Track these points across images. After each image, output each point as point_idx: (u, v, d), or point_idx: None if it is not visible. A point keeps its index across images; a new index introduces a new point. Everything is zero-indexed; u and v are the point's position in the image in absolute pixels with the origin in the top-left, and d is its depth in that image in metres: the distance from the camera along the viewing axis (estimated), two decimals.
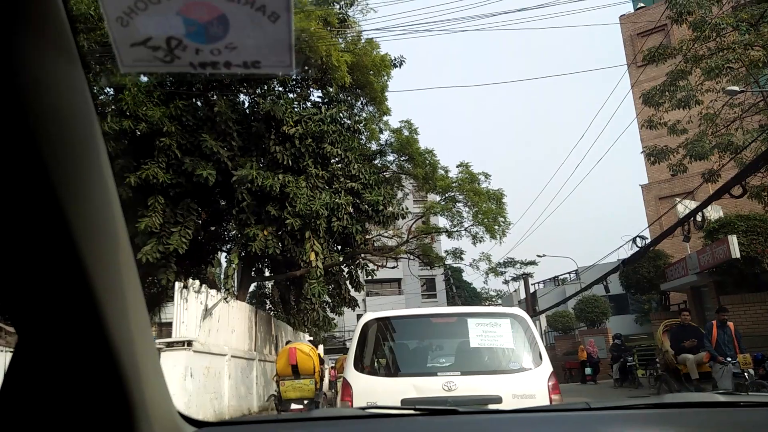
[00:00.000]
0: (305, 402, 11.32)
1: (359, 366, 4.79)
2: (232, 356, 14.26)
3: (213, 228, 18.04)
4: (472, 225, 18.29)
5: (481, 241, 18.34)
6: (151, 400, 0.96)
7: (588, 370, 21.72)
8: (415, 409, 1.73)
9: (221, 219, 17.02)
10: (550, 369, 4.64)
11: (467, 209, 18.26)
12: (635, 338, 25.60)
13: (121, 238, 0.87)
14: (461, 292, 52.71)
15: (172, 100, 14.66)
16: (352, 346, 4.96)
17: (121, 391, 0.88)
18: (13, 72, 0.63)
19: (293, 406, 11.22)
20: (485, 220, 17.43)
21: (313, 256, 15.71)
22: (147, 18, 0.66)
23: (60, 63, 0.69)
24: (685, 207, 16.10)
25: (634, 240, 17.82)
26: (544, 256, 32.49)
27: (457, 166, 18.25)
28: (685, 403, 1.64)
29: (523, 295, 39.09)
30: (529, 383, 4.51)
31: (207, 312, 12.93)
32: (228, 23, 0.67)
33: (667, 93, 15.95)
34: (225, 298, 14.43)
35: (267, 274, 19.79)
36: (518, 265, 50.33)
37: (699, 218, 12.88)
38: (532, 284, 32.96)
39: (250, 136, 16.16)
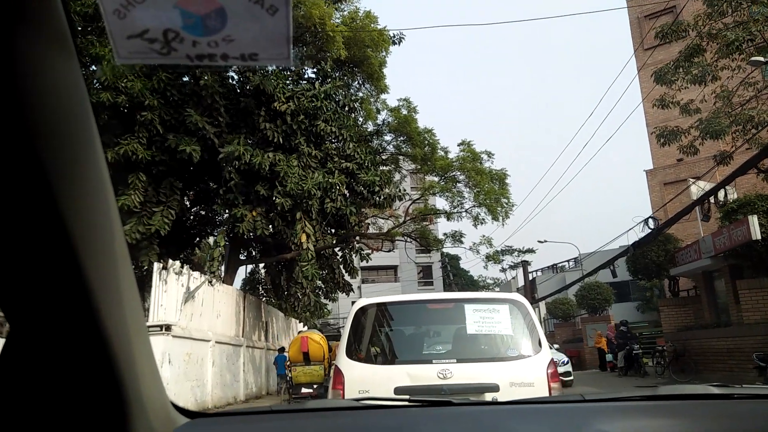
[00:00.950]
0: (314, 386, 12.42)
1: (352, 353, 4.62)
2: (216, 342, 13.51)
3: (199, 208, 17.23)
4: (474, 206, 17.44)
5: (482, 223, 17.52)
6: (144, 391, 0.96)
7: (609, 357, 20.76)
8: (409, 401, 1.76)
9: (208, 199, 16.16)
10: (550, 356, 4.52)
11: (468, 189, 17.37)
12: (636, 326, 24.91)
13: (116, 231, 0.87)
14: (458, 280, 52.12)
15: (155, 73, 13.76)
16: (345, 333, 4.80)
17: (114, 382, 0.89)
18: (13, 70, 0.64)
19: (303, 389, 12.40)
20: (487, 201, 16.54)
21: (304, 238, 14.91)
22: (144, 10, 0.66)
23: (58, 61, 0.70)
24: (699, 188, 15.26)
25: (646, 221, 16.94)
26: (546, 241, 31.72)
27: (458, 145, 17.35)
28: (680, 395, 1.64)
29: (521, 283, 38.44)
30: (527, 371, 4.36)
31: (189, 295, 12.14)
32: (226, 15, 0.66)
33: (681, 69, 15.05)
34: (210, 281, 13.64)
35: (256, 257, 19.03)
36: (516, 253, 49.74)
37: (718, 197, 12.02)
38: (530, 272, 32.17)
39: (238, 113, 15.29)
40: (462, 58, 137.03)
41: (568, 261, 42.15)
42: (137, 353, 0.94)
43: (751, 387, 1.84)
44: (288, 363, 13.47)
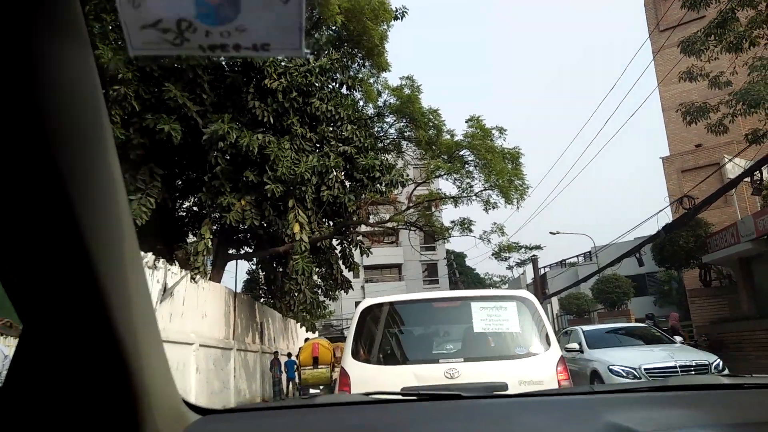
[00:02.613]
0: (321, 387, 13.49)
1: (357, 354, 4.64)
2: (201, 345, 12.04)
3: (185, 198, 15.78)
4: (485, 188, 15.87)
5: (494, 208, 15.97)
6: (155, 387, 0.96)
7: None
8: (417, 395, 1.76)
9: (194, 188, 14.69)
10: (559, 353, 4.50)
11: (478, 170, 15.78)
12: (659, 321, 23.37)
13: (126, 226, 0.86)
14: (464, 278, 50.65)
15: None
16: (350, 334, 4.82)
17: (125, 379, 0.88)
18: (29, 61, 0.64)
19: (311, 390, 13.47)
20: (500, 182, 14.97)
21: (297, 228, 13.47)
22: None
23: (72, 50, 0.69)
24: (734, 165, 13.74)
25: (680, 201, 15.32)
26: (558, 233, 30.10)
27: (466, 121, 15.74)
28: (690, 385, 1.64)
29: (530, 279, 36.94)
30: (536, 369, 4.34)
31: (166, 292, 10.68)
32: (239, 4, 0.65)
33: (712, 37, 13.57)
34: (192, 277, 12.18)
35: (247, 251, 17.56)
36: (523, 249, 48.20)
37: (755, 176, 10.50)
38: (539, 268, 30.66)
39: (224, 90, 13.86)
40: (470, 36, 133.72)
41: (577, 256, 40.64)
42: (148, 350, 0.93)
43: (760, 377, 1.87)
44: (297, 366, 14.63)
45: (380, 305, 4.93)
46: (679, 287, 28.10)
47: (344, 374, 4.48)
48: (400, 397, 1.81)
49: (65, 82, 0.68)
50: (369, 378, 4.30)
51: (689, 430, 1.19)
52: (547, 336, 4.52)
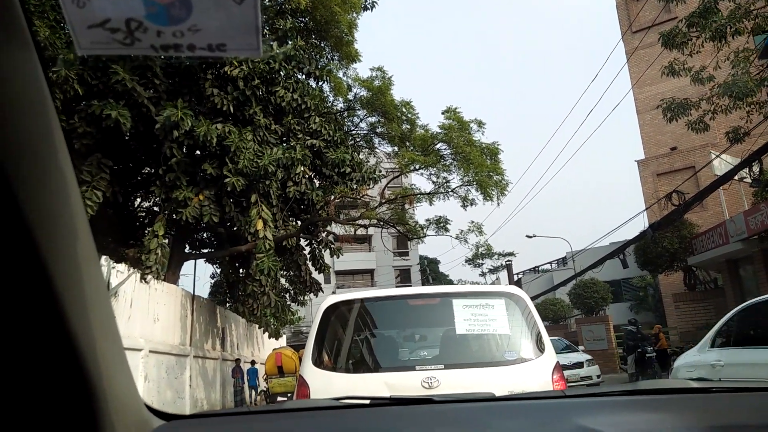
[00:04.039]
0: (288, 395, 13.77)
1: (319, 360, 4.03)
2: (150, 351, 10.97)
3: (136, 192, 14.67)
4: (463, 184, 15.04)
5: (472, 204, 15.17)
6: (115, 393, 0.93)
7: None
8: (389, 400, 1.75)
9: (147, 181, 13.63)
10: (555, 359, 3.95)
11: (456, 164, 14.93)
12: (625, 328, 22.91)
13: (81, 227, 0.84)
14: (437, 284, 49.94)
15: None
16: (311, 337, 4.13)
17: (84, 384, 0.85)
18: None
19: (279, 398, 14.13)
20: (478, 176, 14.17)
21: (260, 225, 12.51)
22: None
23: (13, 51, 0.68)
24: (722, 160, 13.19)
25: (669, 197, 14.67)
26: (534, 236, 29.49)
27: (443, 112, 14.91)
28: (660, 389, 1.64)
29: (504, 284, 36.33)
30: (528, 376, 3.75)
31: (109, 293, 9.60)
32: (190, 4, 0.64)
33: (695, 27, 13.06)
34: (143, 277, 11.12)
35: (207, 250, 16.48)
36: (496, 256, 47.65)
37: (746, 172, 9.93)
38: (513, 274, 30.02)
39: (180, 75, 12.87)
40: (443, 28, 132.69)
41: (550, 262, 40.15)
42: (107, 354, 0.90)
43: (728, 381, 1.88)
44: (264, 376, 15.18)
45: (347, 302, 4.33)
46: (655, 293, 27.74)
47: (302, 384, 3.87)
48: (371, 402, 1.74)
49: (8, 85, 0.65)
50: (332, 388, 3.69)
51: None
52: (540, 338, 3.97)
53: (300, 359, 15.02)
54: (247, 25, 0.64)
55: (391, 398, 1.71)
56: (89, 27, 0.63)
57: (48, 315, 0.77)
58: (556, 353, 4.21)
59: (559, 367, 3.96)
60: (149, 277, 11.52)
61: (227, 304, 18.39)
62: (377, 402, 1.74)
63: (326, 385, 3.81)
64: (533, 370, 3.83)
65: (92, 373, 0.84)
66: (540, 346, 3.96)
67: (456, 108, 14.66)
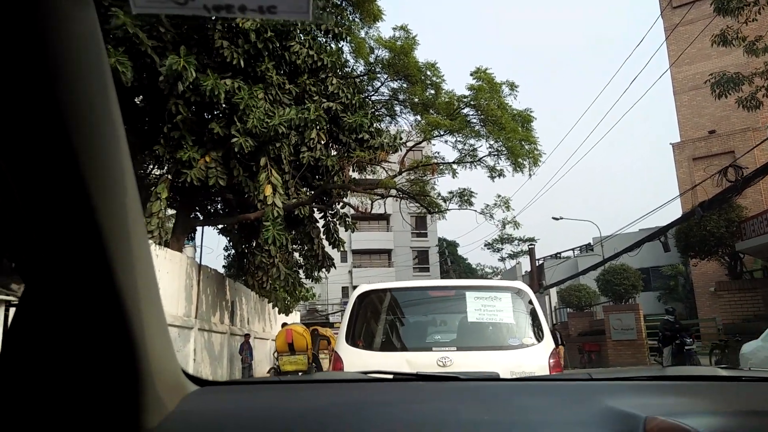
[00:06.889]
0: (299, 374, 12.86)
1: (351, 339, 4.67)
2: None
3: (138, 151, 13.82)
4: (490, 153, 13.86)
5: (501, 176, 14.06)
6: (155, 358, 0.95)
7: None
8: (416, 376, 1.79)
9: (151, 140, 12.77)
10: (552, 345, 4.55)
11: (484, 131, 13.74)
12: (657, 318, 21.67)
13: (132, 192, 0.85)
14: (456, 267, 48.91)
15: None
16: (345, 319, 4.85)
17: (126, 347, 0.88)
18: (29, 17, 0.63)
19: (289, 377, 12.46)
20: (509, 143, 13.00)
21: (269, 191, 11.60)
22: None
23: (74, 7, 0.68)
24: None
25: (724, 172, 13.35)
26: (561, 218, 28.27)
27: (471, 74, 13.71)
28: (687, 376, 1.65)
29: (525, 269, 35.20)
30: (528, 360, 4.33)
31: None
32: None
33: None
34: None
35: (215, 217, 15.62)
36: (516, 242, 46.35)
37: None
38: (536, 259, 28.82)
39: (187, 26, 11.91)
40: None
41: (573, 249, 38.83)
42: (150, 320, 0.92)
43: (758, 370, 1.70)
44: (274, 353, 14.63)
45: (377, 291, 5.02)
46: (686, 282, 26.38)
47: (338, 359, 4.53)
48: (398, 377, 1.81)
49: (68, 39, 0.67)
50: (362, 363, 4.24)
51: (689, 416, 1.07)
52: (541, 328, 4.57)
53: (312, 336, 14.62)
54: None
55: (417, 375, 1.76)
56: None
57: (96, 274, 0.79)
58: None
59: (556, 353, 4.51)
60: (151, 242, 10.70)
61: (240, 277, 17.64)
62: (401, 377, 1.82)
63: (357, 360, 4.37)
64: (532, 354, 4.37)
65: (135, 336, 0.87)
66: (539, 335, 4.51)
67: (486, 68, 13.49)
